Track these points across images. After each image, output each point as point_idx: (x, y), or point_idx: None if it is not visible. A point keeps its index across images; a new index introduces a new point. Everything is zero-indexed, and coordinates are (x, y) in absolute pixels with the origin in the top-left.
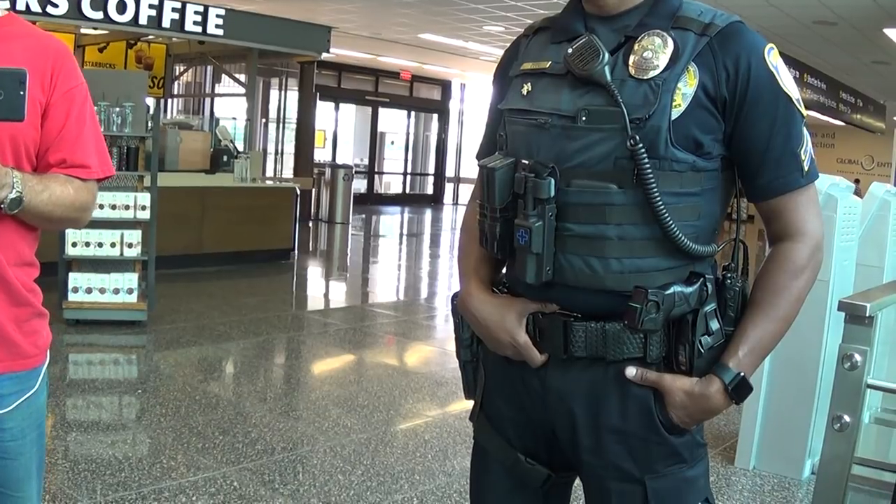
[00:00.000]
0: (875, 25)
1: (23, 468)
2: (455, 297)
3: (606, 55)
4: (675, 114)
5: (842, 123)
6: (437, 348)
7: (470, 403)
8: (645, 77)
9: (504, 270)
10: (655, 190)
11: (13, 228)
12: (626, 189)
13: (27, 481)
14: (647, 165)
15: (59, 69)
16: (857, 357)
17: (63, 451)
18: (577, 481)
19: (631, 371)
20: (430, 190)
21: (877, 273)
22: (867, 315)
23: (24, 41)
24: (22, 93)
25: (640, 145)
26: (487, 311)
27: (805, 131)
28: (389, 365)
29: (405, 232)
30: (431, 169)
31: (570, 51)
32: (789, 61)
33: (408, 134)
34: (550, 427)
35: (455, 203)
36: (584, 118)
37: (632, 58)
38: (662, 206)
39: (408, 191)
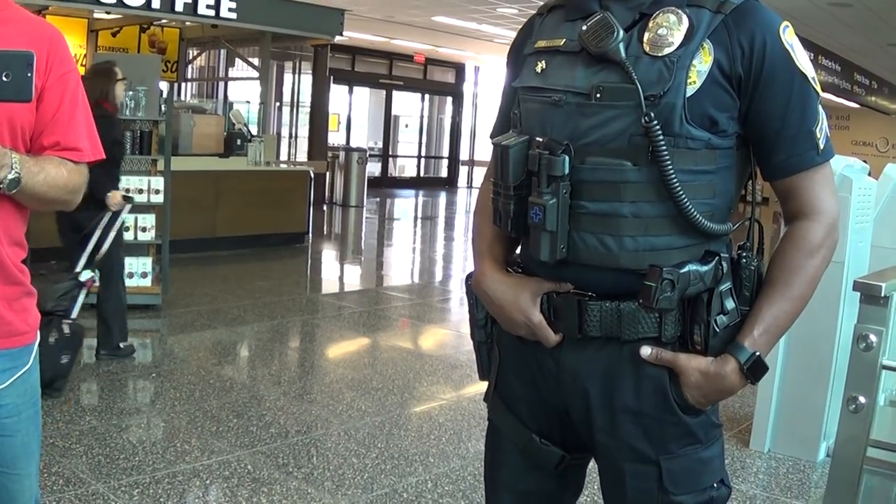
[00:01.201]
0: (890, 7)
1: (20, 445)
2: (469, 277)
3: (621, 32)
4: (690, 91)
5: (856, 105)
6: (452, 331)
7: (484, 385)
8: (660, 54)
9: (518, 250)
10: (670, 167)
11: (8, 209)
12: (641, 166)
13: (24, 459)
14: (662, 142)
15: (53, 54)
16: (873, 337)
17: (77, 436)
18: (592, 463)
19: (646, 350)
20: (444, 173)
21: (892, 255)
22: (883, 295)
23: (19, 25)
24: (29, 74)
25: (655, 122)
26: (501, 290)
27: (820, 109)
28: (403, 348)
29: (419, 215)
30: (445, 152)
31: (584, 28)
32: (804, 43)
33: (422, 117)
34: (564, 407)
35: (469, 186)
36: (598, 95)
37: (646, 35)
38: (677, 184)
39: (422, 174)
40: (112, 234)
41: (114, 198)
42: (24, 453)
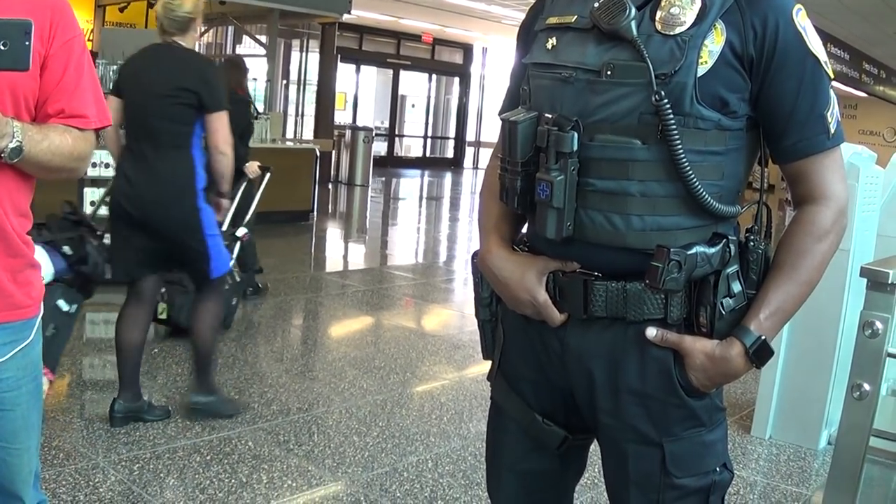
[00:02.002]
0: None
1: (20, 419)
2: (475, 255)
3: (633, 10)
4: (702, 71)
5: (864, 95)
6: (456, 311)
7: (488, 364)
8: (671, 33)
9: (525, 229)
10: (680, 146)
11: (11, 178)
12: (650, 145)
13: (25, 433)
14: (672, 121)
15: (57, 20)
16: (879, 325)
17: (78, 410)
18: (594, 445)
19: (651, 332)
20: (450, 154)
21: None
22: (890, 282)
23: None
24: (27, 43)
25: (666, 101)
26: (507, 268)
27: (832, 93)
28: (407, 327)
29: (424, 195)
30: (452, 133)
31: (596, 5)
32: None
33: (429, 97)
34: (568, 388)
35: (475, 167)
36: (609, 73)
37: (658, 13)
38: (686, 163)
39: (428, 154)
40: (258, 198)
41: (251, 167)
42: (24, 427)
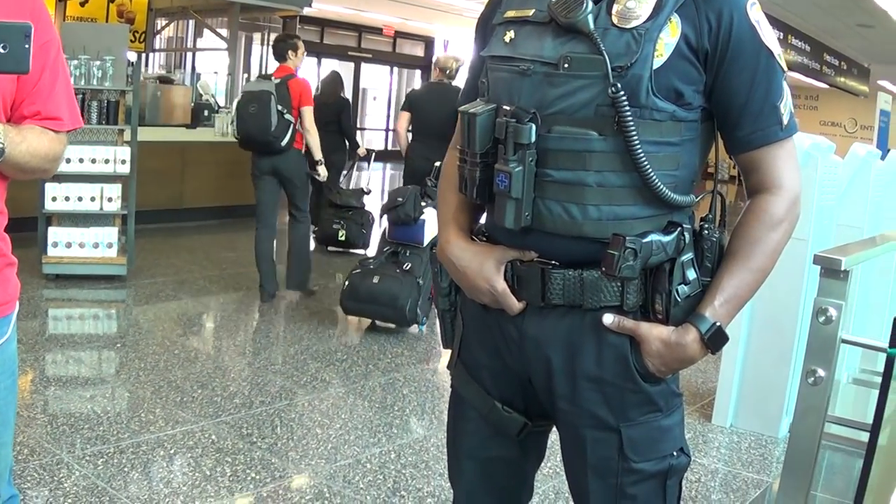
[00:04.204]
0: None
1: None
2: (433, 245)
3: (590, 3)
4: (657, 63)
5: (825, 86)
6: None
7: (448, 354)
8: (627, 26)
9: (483, 219)
10: (635, 138)
11: None
12: (607, 136)
13: (1, 428)
14: (628, 113)
15: (35, 22)
16: (832, 311)
17: (42, 406)
18: (556, 433)
19: (608, 318)
20: None
21: (857, 233)
22: (842, 269)
23: None
24: (27, 46)
25: (622, 93)
26: (466, 258)
27: (785, 86)
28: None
29: (386, 188)
30: None
31: None
32: (774, 22)
33: (390, 90)
34: (527, 375)
35: None
36: (566, 65)
37: (615, 7)
38: (642, 154)
39: (389, 147)
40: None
41: (361, 150)
42: (1, 423)
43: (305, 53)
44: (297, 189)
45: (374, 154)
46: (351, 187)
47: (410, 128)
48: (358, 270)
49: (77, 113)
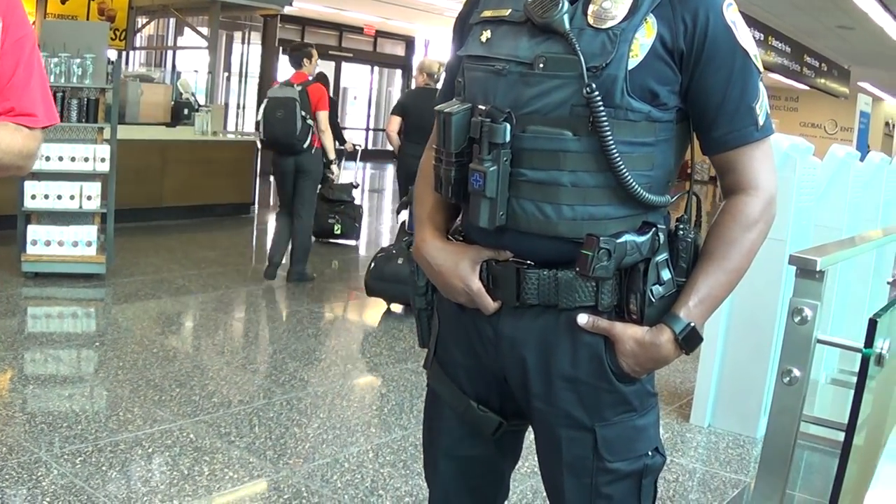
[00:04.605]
0: None
1: None
2: (410, 245)
3: (566, 4)
4: (632, 64)
5: (806, 87)
6: (397, 303)
7: (425, 353)
8: (603, 26)
9: (459, 219)
10: (610, 138)
11: None
12: (581, 136)
13: None
14: (603, 113)
15: (9, 17)
16: (808, 311)
17: (20, 404)
18: (531, 431)
19: (583, 318)
20: (391, 146)
21: (835, 234)
22: (818, 269)
23: None
24: None
25: (597, 93)
26: (441, 257)
27: (761, 87)
28: (348, 319)
29: (367, 187)
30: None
31: None
32: (755, 24)
33: (371, 89)
34: (502, 374)
35: None
36: (541, 65)
37: (591, 7)
38: (616, 154)
39: (370, 146)
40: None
41: (348, 145)
42: None
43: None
44: (312, 183)
45: (360, 150)
46: (340, 182)
47: (403, 130)
48: (382, 254)
49: (52, 109)
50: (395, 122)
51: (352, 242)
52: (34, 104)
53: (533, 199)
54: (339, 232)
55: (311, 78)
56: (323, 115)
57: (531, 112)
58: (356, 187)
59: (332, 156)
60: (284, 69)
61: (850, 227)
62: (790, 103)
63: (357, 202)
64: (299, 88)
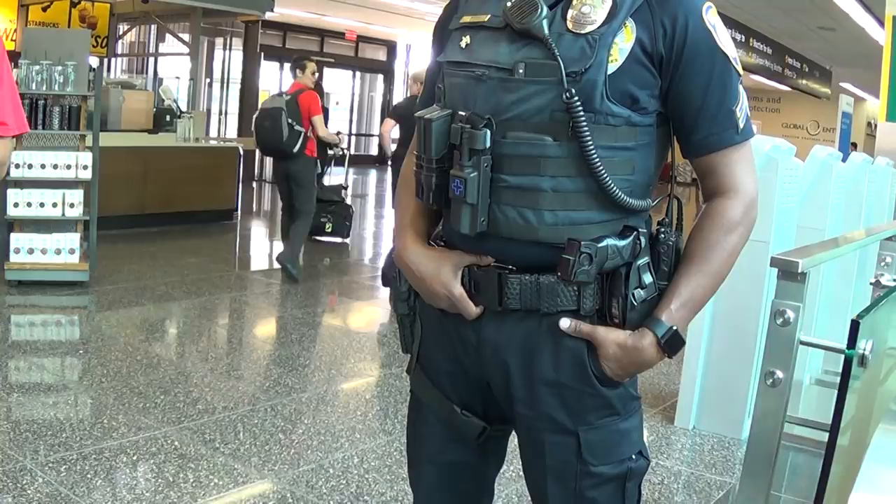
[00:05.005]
0: None
1: None
2: (392, 250)
3: (545, 9)
4: (612, 68)
5: (787, 88)
6: (380, 308)
7: (408, 358)
8: (582, 31)
9: (441, 225)
10: (590, 143)
11: None
12: (562, 142)
13: None
14: (583, 118)
15: None
16: (790, 313)
17: (5, 413)
18: (515, 435)
19: (565, 323)
20: (374, 151)
21: (818, 235)
22: (800, 271)
23: None
24: None
25: (576, 98)
26: (423, 263)
27: (741, 90)
28: (331, 325)
29: (349, 193)
30: (376, 130)
31: (509, 4)
32: (736, 25)
33: (353, 94)
34: (485, 379)
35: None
36: (521, 71)
37: (570, 12)
38: (597, 159)
39: (352, 151)
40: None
41: (337, 149)
42: None
43: (315, 70)
44: (302, 190)
45: (348, 155)
46: (329, 184)
47: (400, 138)
48: None
49: (23, 118)
50: (389, 124)
51: (341, 240)
52: (5, 114)
53: (514, 205)
54: (329, 230)
55: (310, 86)
56: (317, 119)
57: (511, 118)
58: (345, 189)
59: (333, 141)
60: (266, 75)
61: (833, 227)
62: (772, 104)
63: (347, 202)
64: (288, 98)
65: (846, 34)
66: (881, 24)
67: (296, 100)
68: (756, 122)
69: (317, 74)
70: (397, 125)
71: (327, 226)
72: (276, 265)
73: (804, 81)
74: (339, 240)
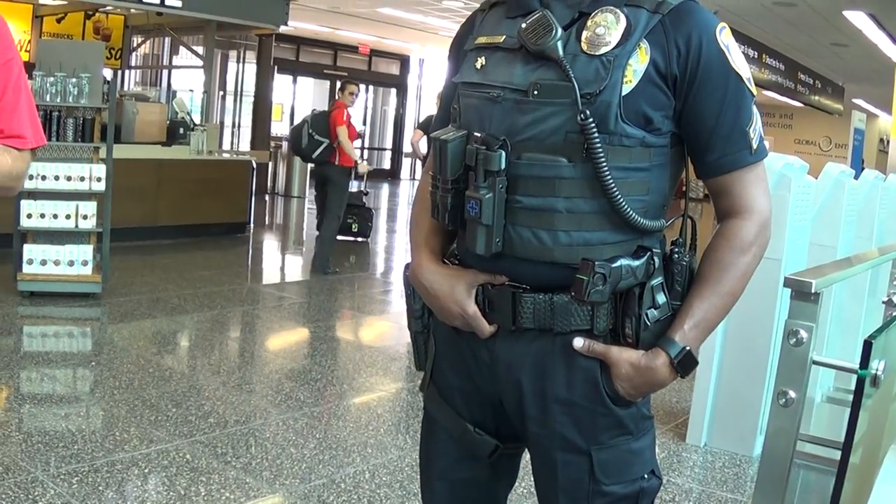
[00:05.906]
0: (834, 8)
1: None
2: (407, 267)
3: (559, 30)
4: (626, 89)
5: (800, 104)
6: (392, 323)
7: (422, 375)
8: (597, 53)
9: (455, 243)
10: (604, 164)
11: None
12: (576, 163)
13: None
14: (597, 140)
15: None
16: (803, 333)
17: (17, 424)
18: (527, 453)
19: (578, 342)
20: (387, 164)
21: (830, 253)
22: (813, 291)
23: None
24: None
25: (591, 119)
26: (437, 281)
27: (755, 110)
28: (343, 339)
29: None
30: (389, 143)
31: (523, 26)
32: (749, 42)
33: (366, 108)
34: (498, 398)
35: (412, 178)
36: (535, 92)
37: (584, 34)
38: (611, 181)
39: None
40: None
41: (361, 167)
42: None
43: (355, 92)
44: (333, 194)
45: (369, 170)
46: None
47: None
48: None
49: (40, 131)
50: (418, 134)
51: (363, 239)
52: (23, 126)
53: (529, 226)
54: (355, 230)
55: (348, 105)
56: (340, 130)
57: (526, 139)
58: (366, 194)
59: (354, 156)
60: (280, 88)
61: (845, 244)
62: (785, 120)
63: (368, 206)
64: (318, 112)
65: (859, 50)
66: (894, 40)
67: (327, 114)
68: (769, 137)
69: (354, 95)
70: (424, 137)
71: (353, 226)
72: (289, 278)
73: (817, 97)
74: (361, 239)
